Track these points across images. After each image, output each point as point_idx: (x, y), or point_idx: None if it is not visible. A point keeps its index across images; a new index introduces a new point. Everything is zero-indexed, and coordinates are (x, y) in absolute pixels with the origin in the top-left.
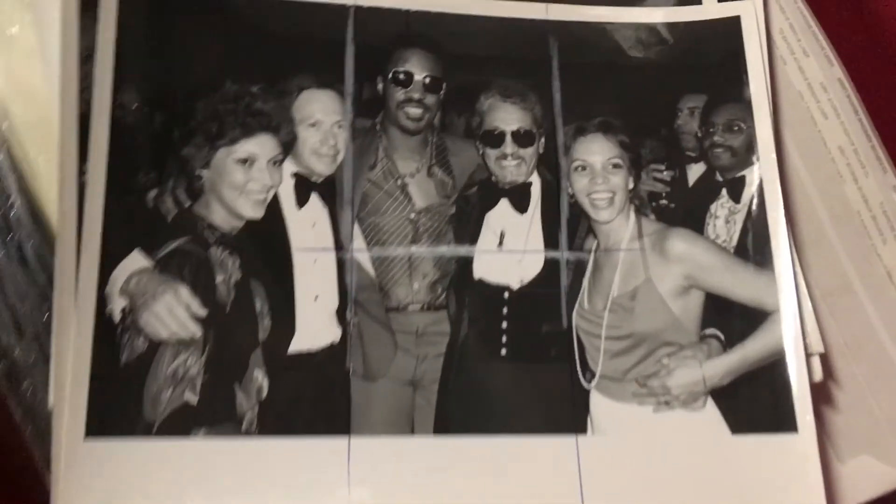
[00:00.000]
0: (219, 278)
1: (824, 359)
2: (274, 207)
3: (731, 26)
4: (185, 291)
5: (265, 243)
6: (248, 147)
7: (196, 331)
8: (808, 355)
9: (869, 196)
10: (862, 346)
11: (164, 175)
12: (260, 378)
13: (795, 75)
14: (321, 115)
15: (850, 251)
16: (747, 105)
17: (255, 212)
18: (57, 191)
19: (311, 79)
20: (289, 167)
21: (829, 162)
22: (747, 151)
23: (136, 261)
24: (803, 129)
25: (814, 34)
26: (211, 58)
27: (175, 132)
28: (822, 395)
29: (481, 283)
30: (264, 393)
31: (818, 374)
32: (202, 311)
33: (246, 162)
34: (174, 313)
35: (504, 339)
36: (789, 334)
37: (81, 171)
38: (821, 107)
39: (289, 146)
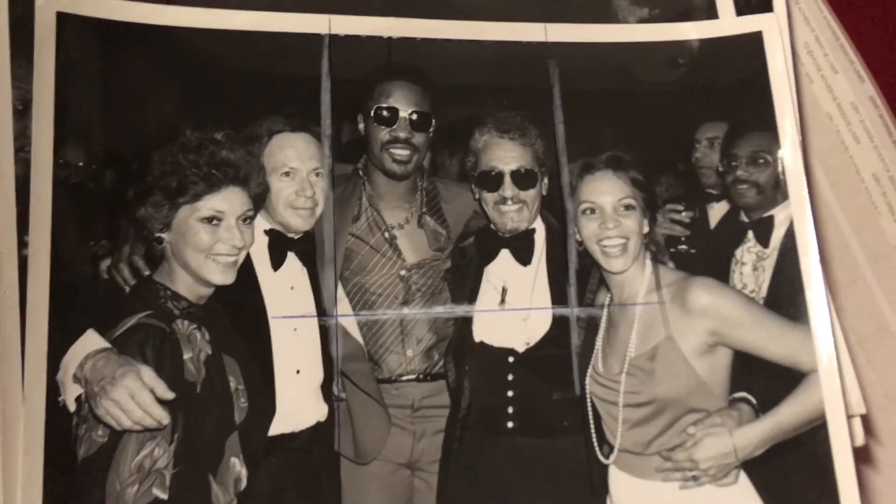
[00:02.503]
0: (186, 355)
1: (864, 416)
2: (246, 271)
3: (753, 43)
4: (148, 373)
5: (238, 312)
6: (213, 203)
7: (163, 417)
8: (848, 417)
9: None
10: None
11: (118, 241)
12: (237, 467)
13: (823, 95)
14: (296, 163)
15: (888, 291)
16: (773, 134)
17: (224, 277)
18: None
19: (283, 121)
20: (261, 224)
21: (863, 192)
22: (775, 188)
23: (91, 341)
24: (833, 155)
25: (842, 47)
26: (166, 103)
27: (129, 191)
28: (861, 455)
29: (483, 346)
30: (243, 483)
31: (860, 438)
32: (169, 395)
33: (212, 220)
34: (137, 399)
35: (510, 409)
36: (830, 397)
37: (22, 242)
38: (852, 129)
39: (260, 200)
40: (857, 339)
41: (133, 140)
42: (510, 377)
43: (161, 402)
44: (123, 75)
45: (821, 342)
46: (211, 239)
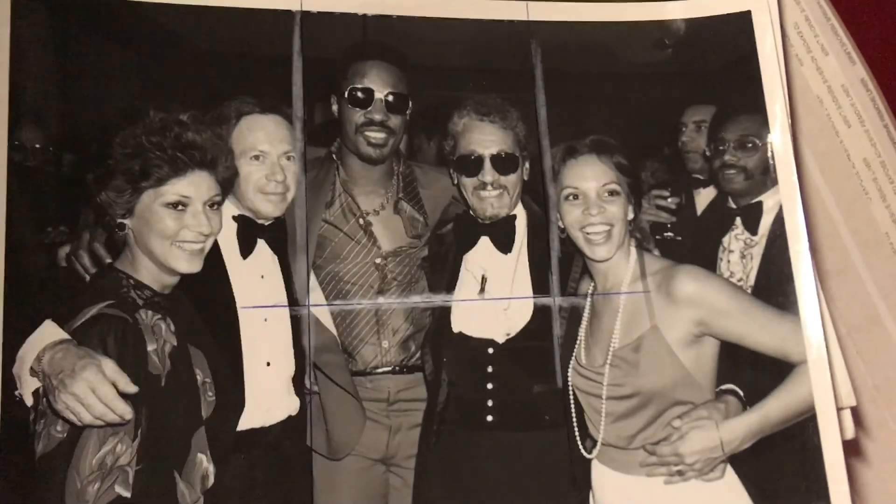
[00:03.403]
0: (150, 347)
1: (853, 408)
2: (214, 259)
3: (741, 23)
4: (110, 365)
5: (205, 302)
6: (179, 188)
7: (125, 411)
8: (837, 410)
9: None
10: (893, 388)
11: (77, 227)
12: (205, 463)
13: (813, 77)
14: (266, 146)
15: (879, 279)
16: (762, 117)
17: (190, 265)
18: None
19: (252, 102)
20: (229, 210)
21: (854, 177)
22: (763, 173)
23: (49, 333)
24: (823, 139)
25: (832, 28)
26: (129, 82)
27: (89, 175)
28: (850, 448)
29: (461, 337)
30: (210, 480)
31: (850, 431)
32: (132, 388)
33: (177, 206)
34: (98, 392)
35: (490, 402)
36: (819, 389)
37: None
38: (842, 113)
39: (228, 184)
40: (846, 329)
41: (93, 121)
42: (490, 369)
43: (123, 395)
44: (82, 53)
45: (810, 332)
46: (176, 225)
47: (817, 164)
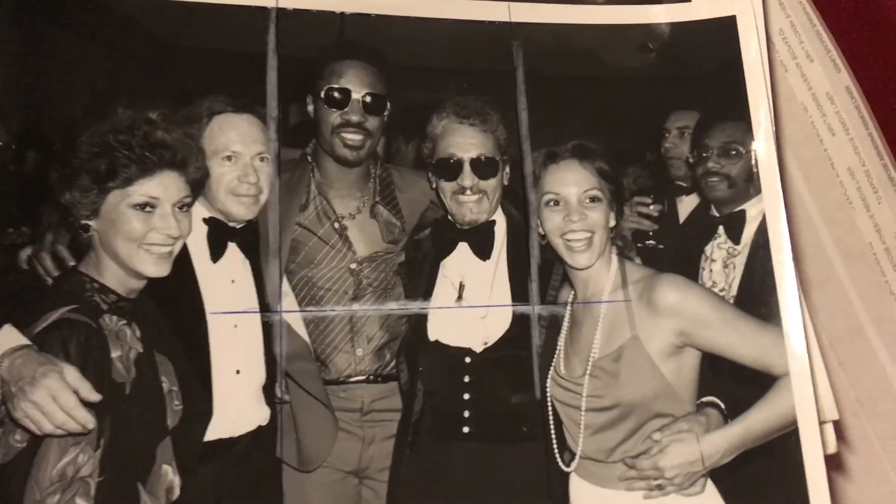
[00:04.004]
0: (115, 353)
1: (835, 421)
2: (182, 263)
3: (726, 28)
4: (72, 372)
5: (172, 308)
6: (147, 188)
7: (88, 420)
8: (820, 423)
9: (882, 225)
10: (876, 401)
11: (40, 228)
12: (170, 475)
13: (798, 84)
14: (239, 146)
15: (862, 290)
16: (746, 124)
17: (158, 269)
18: None
19: (225, 101)
20: (200, 212)
21: (838, 186)
22: (747, 181)
23: (9, 338)
24: (808, 147)
25: (818, 34)
26: (96, 79)
27: (53, 174)
28: (832, 462)
29: (438, 345)
30: (176, 493)
31: (832, 446)
32: (95, 396)
33: (145, 207)
34: (59, 400)
35: (467, 413)
36: (802, 402)
37: None
38: (827, 121)
39: (199, 186)
40: (829, 341)
41: (58, 118)
42: (466, 379)
43: (86, 404)
44: (47, 48)
45: (793, 344)
46: (144, 227)
47: (801, 173)
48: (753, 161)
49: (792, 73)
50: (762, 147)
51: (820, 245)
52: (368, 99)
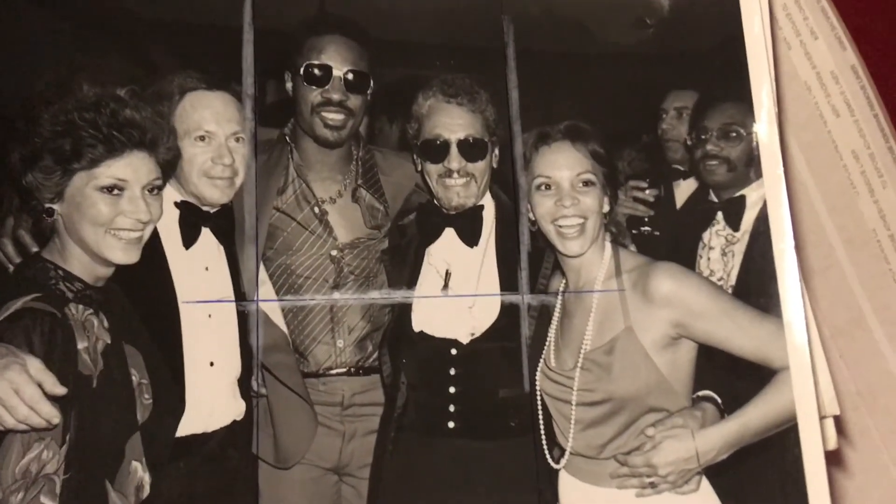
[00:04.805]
0: (81, 345)
1: (836, 416)
2: (153, 249)
3: (728, 3)
4: (35, 364)
5: (142, 296)
6: (114, 170)
7: (52, 415)
8: (820, 418)
9: (887, 211)
10: (877, 394)
11: (0, 212)
12: (139, 472)
13: (802, 63)
14: (212, 125)
15: (864, 279)
16: (747, 105)
17: (126, 255)
18: None
19: (198, 77)
20: (171, 195)
21: (841, 169)
22: (747, 164)
23: None
24: (811, 129)
25: (823, 10)
26: (60, 53)
27: (14, 154)
28: (831, 458)
29: (423, 336)
30: (146, 491)
31: (832, 442)
32: (60, 389)
33: (113, 190)
34: (22, 394)
35: (452, 408)
36: (802, 396)
37: None
38: (831, 102)
39: (170, 167)
40: (830, 332)
41: (18, 95)
42: (452, 372)
43: (50, 397)
44: (6, 23)
45: (793, 336)
46: (111, 211)
47: (803, 156)
48: (754, 144)
49: (795, 50)
50: (763, 129)
51: (821, 232)
52: (350, 76)
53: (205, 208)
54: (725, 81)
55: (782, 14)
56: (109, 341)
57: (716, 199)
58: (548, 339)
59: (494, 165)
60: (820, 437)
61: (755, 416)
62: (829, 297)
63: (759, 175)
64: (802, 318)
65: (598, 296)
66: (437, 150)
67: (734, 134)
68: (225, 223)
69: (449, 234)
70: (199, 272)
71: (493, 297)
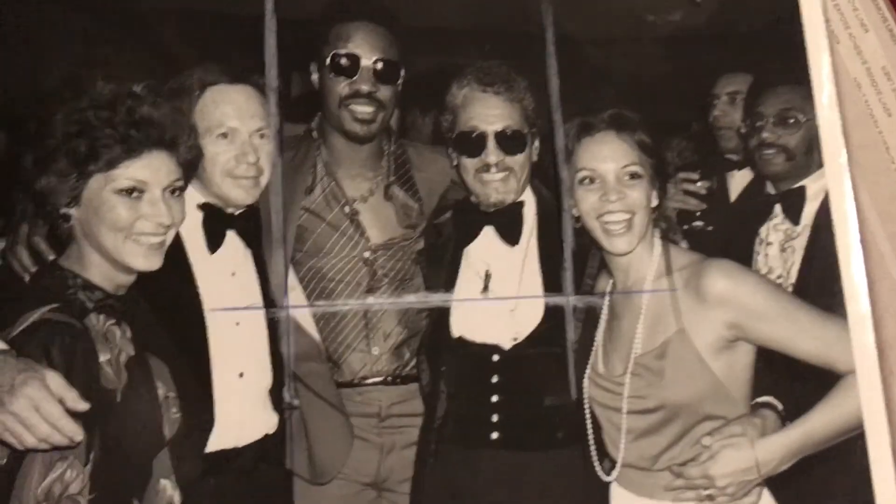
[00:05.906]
0: (103, 357)
1: None
2: (176, 254)
3: None
4: (55, 379)
5: (166, 305)
6: (133, 171)
7: (75, 432)
8: (890, 426)
9: None
10: None
11: (14, 219)
12: (169, 490)
13: (851, 58)
14: (235, 122)
15: None
16: (806, 88)
17: (148, 261)
18: None
19: (219, 70)
20: (194, 197)
21: (892, 173)
22: (807, 153)
23: None
24: (860, 129)
25: (874, 1)
26: (73, 47)
27: (26, 157)
28: None
29: (462, 342)
30: None
31: None
32: (82, 405)
33: (132, 192)
34: (42, 411)
35: (495, 418)
36: (869, 402)
37: None
38: (882, 99)
39: (191, 167)
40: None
41: (30, 95)
42: (494, 379)
43: (72, 414)
44: (16, 16)
45: (860, 337)
46: (131, 215)
47: (851, 158)
48: (814, 130)
49: (844, 44)
50: (824, 114)
51: (872, 240)
52: (380, 65)
53: (229, 210)
54: (781, 63)
55: (830, 5)
56: (133, 353)
57: (773, 191)
58: (595, 342)
59: (535, 158)
60: (889, 444)
61: (819, 423)
62: (878, 310)
63: (820, 164)
64: (869, 317)
65: (647, 296)
66: (473, 144)
67: (792, 120)
68: (251, 225)
69: (488, 232)
70: (225, 278)
71: (537, 299)
